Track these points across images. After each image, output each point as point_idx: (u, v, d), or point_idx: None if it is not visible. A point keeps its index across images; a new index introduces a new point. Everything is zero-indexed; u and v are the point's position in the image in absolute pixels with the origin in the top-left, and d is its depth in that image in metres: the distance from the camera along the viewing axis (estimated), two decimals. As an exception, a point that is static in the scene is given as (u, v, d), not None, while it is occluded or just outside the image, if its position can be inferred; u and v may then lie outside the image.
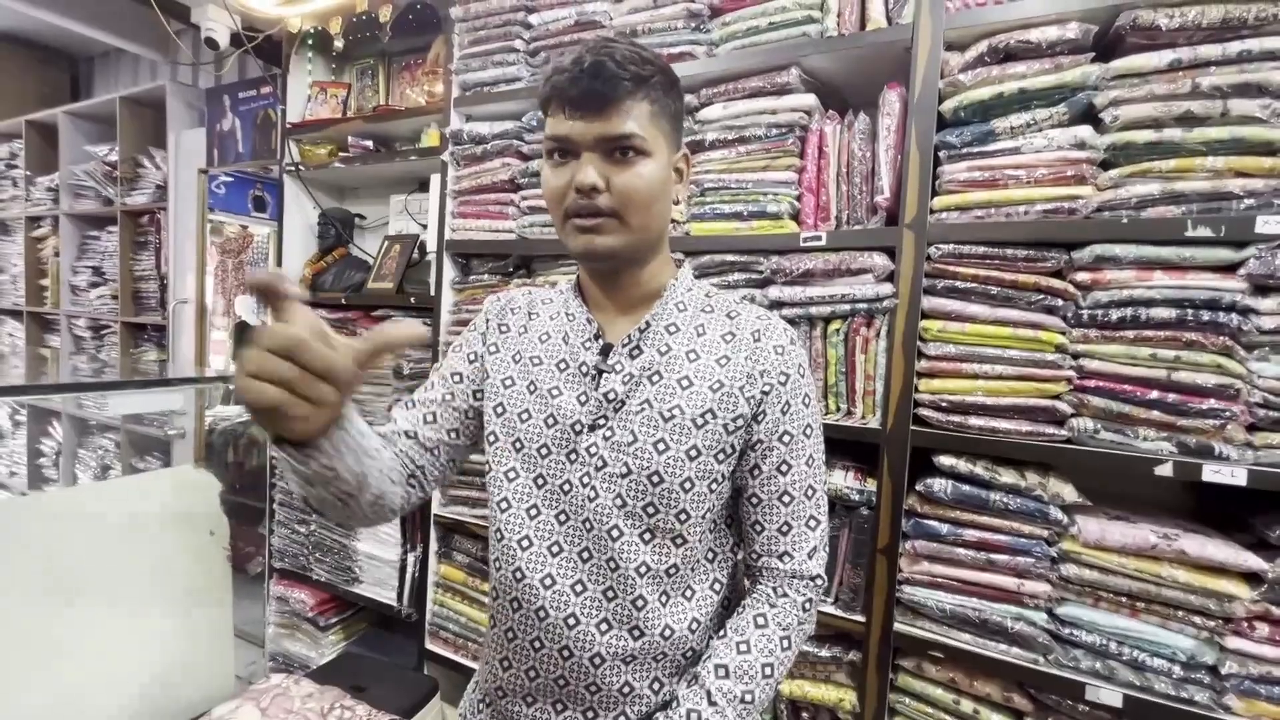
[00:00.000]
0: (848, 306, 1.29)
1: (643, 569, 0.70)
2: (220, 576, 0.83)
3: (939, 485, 1.21)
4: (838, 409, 1.33)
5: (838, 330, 1.31)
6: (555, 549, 0.72)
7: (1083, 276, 1.12)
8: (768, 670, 0.70)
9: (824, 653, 1.33)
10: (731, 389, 0.71)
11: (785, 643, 0.72)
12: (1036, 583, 1.15)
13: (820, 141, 1.34)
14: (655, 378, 0.72)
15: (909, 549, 1.24)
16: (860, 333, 1.29)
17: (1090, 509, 1.16)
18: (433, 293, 1.85)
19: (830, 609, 1.32)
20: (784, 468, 0.74)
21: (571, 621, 0.70)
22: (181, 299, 2.70)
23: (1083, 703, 1.11)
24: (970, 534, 1.19)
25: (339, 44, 2.10)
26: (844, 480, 1.31)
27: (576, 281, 0.81)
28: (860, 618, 1.28)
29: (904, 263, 1.23)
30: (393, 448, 0.76)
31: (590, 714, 0.72)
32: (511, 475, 0.74)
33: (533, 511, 0.73)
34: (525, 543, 0.72)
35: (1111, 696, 1.08)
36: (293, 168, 2.20)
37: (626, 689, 0.71)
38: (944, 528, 1.21)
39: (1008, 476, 1.17)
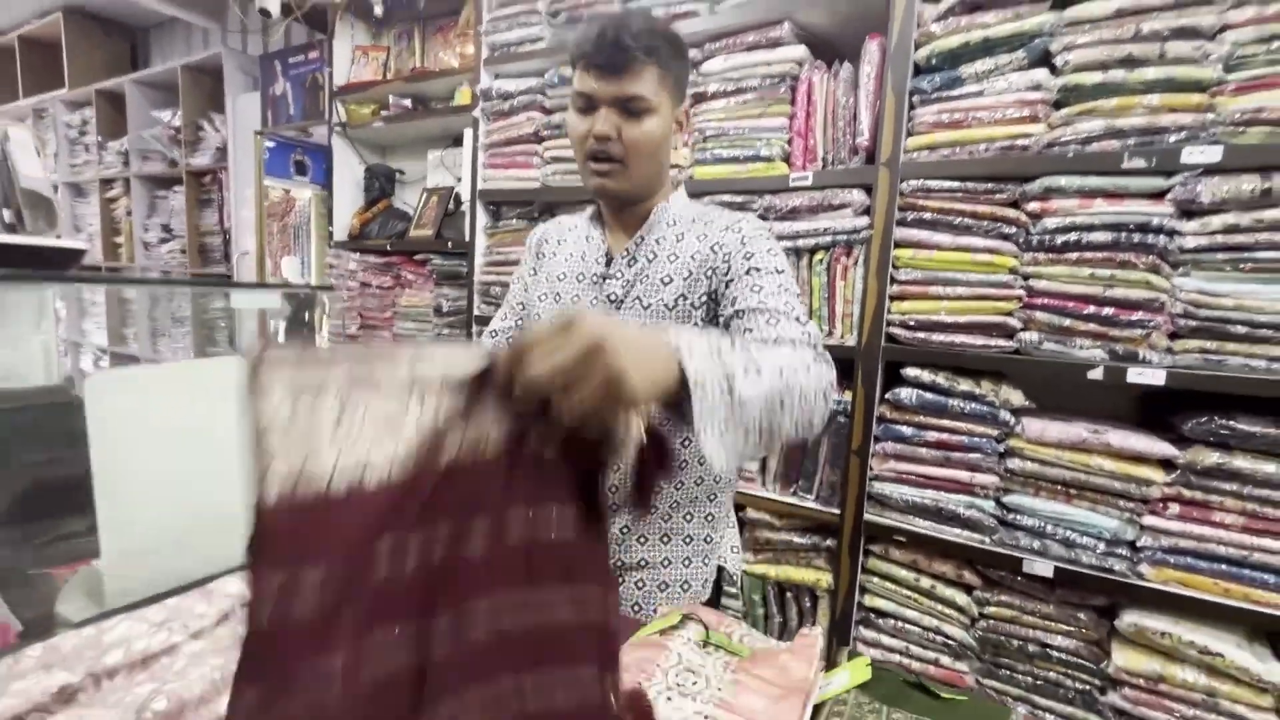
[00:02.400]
0: (829, 238, 1.46)
1: None
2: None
3: (905, 394, 1.39)
4: (820, 329, 1.50)
5: (821, 260, 1.48)
6: None
7: (1033, 206, 1.26)
8: (783, 371, 0.63)
9: (804, 540, 1.54)
10: (698, 273, 0.88)
11: (796, 363, 0.65)
12: (986, 475, 1.33)
13: (809, 90, 1.49)
14: (644, 278, 0.91)
15: (879, 450, 1.43)
16: (840, 261, 1.46)
17: (1034, 411, 1.33)
18: (467, 238, 2.07)
19: (811, 504, 1.53)
20: (756, 287, 0.82)
21: None
22: (243, 251, 2.98)
23: (1021, 575, 1.30)
24: (931, 435, 1.37)
25: (378, 10, 2.29)
26: (824, 392, 1.49)
27: (596, 210, 0.99)
28: (836, 510, 1.48)
29: (879, 198, 1.39)
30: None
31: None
32: None
33: None
34: None
35: (1044, 569, 1.26)
36: (340, 127, 2.42)
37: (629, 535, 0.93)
38: (909, 430, 1.39)
39: (965, 384, 1.34)
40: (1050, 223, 1.25)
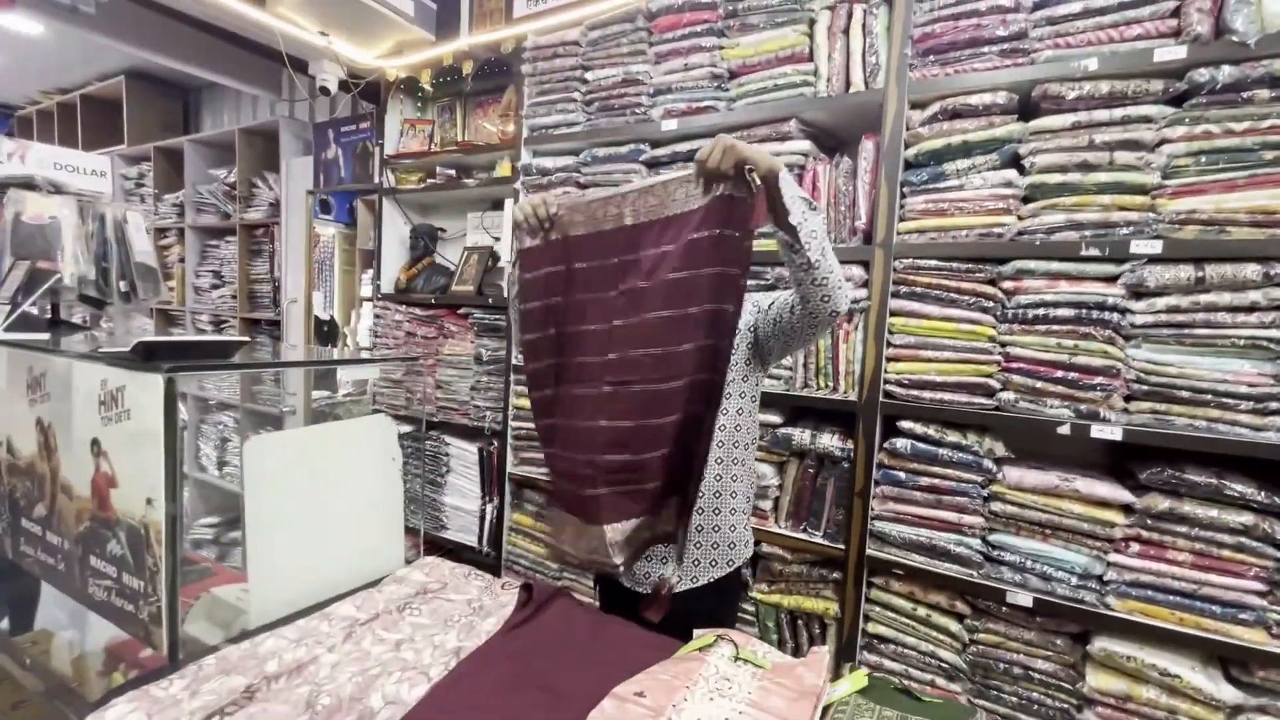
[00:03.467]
0: (833, 306, 1.67)
1: None
2: (397, 488, 1.29)
3: (901, 443, 1.58)
4: (825, 385, 1.71)
5: (826, 325, 1.70)
6: None
7: (1008, 284, 1.47)
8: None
9: (813, 573, 1.72)
10: None
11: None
12: (973, 516, 1.52)
13: (814, 178, 1.72)
14: None
15: (878, 492, 1.63)
16: (843, 327, 1.67)
17: (1014, 460, 1.52)
18: (506, 295, 2.29)
19: (819, 539, 1.71)
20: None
21: None
22: (292, 299, 3.23)
23: (1005, 605, 1.48)
24: (924, 480, 1.57)
25: (428, 88, 2.57)
26: (830, 440, 1.69)
27: None
28: (842, 546, 1.67)
29: (875, 273, 1.61)
30: None
31: None
32: None
33: None
34: None
35: (1025, 599, 1.44)
36: (389, 191, 2.68)
37: None
38: (904, 475, 1.59)
39: (953, 436, 1.54)
40: (1023, 299, 1.46)
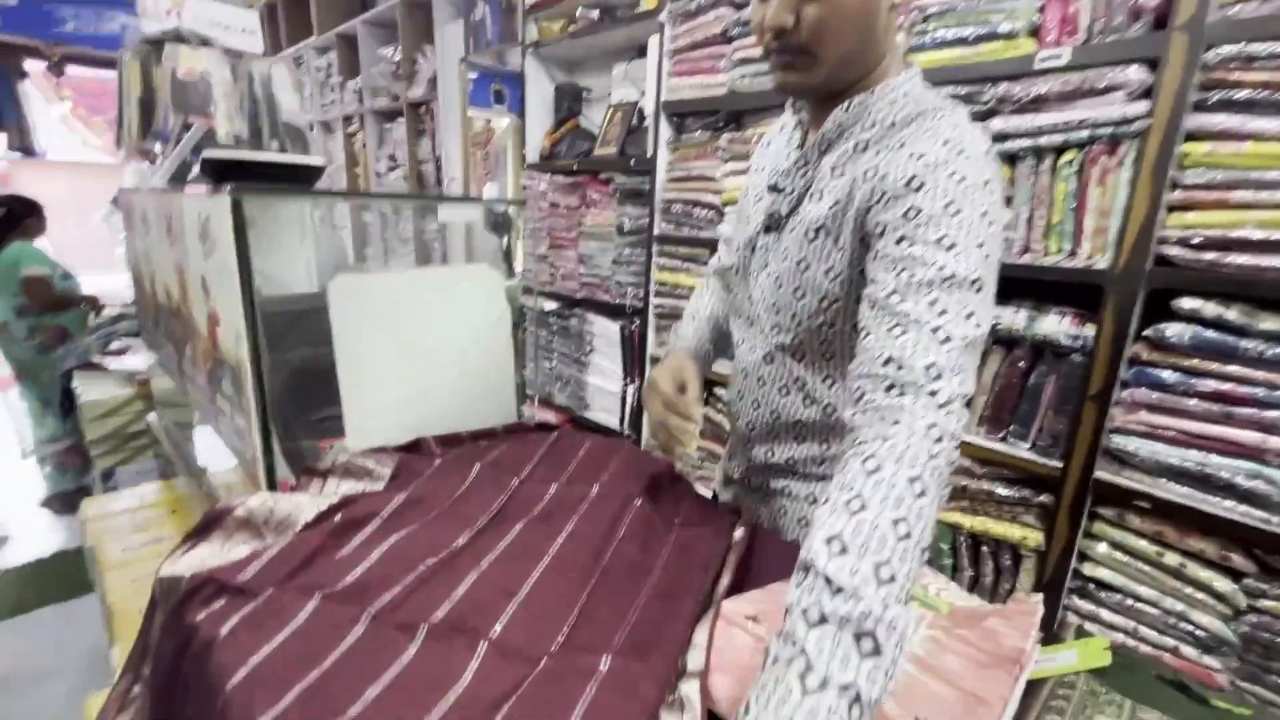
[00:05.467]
0: (1086, 133, 1.17)
1: (783, 351, 0.82)
2: (505, 345, 1.16)
3: (1176, 330, 1.11)
4: (1059, 249, 1.24)
5: (1070, 161, 1.20)
6: (747, 321, 0.89)
7: None
8: (901, 528, 0.48)
9: (1011, 493, 1.35)
10: (849, 205, 0.68)
11: (917, 486, 0.50)
12: (1287, 439, 1.03)
13: (1077, -63, 1.16)
14: (806, 190, 0.76)
15: (1126, 398, 1.18)
16: (1099, 162, 1.17)
17: (1385, 362, 0.98)
18: (649, 154, 2.02)
19: (1025, 453, 1.32)
20: (907, 262, 0.60)
21: (744, 373, 0.89)
22: (451, 178, 3.26)
23: (1324, 568, 1.01)
24: (1207, 384, 1.09)
25: (568, -83, 2.23)
26: (1058, 324, 1.25)
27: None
28: (1058, 464, 1.27)
29: (1167, 75, 1.07)
30: (725, 282, 1.00)
31: (767, 454, 0.90)
32: (733, 264, 0.90)
33: (738, 291, 0.90)
34: (737, 313, 0.91)
35: (1365, 565, 0.97)
36: (532, 46, 2.47)
37: (775, 432, 0.87)
38: (1173, 376, 1.12)
39: (1268, 322, 1.03)
40: None
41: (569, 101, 2.50)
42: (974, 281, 0.58)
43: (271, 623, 0.62)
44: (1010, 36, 1.24)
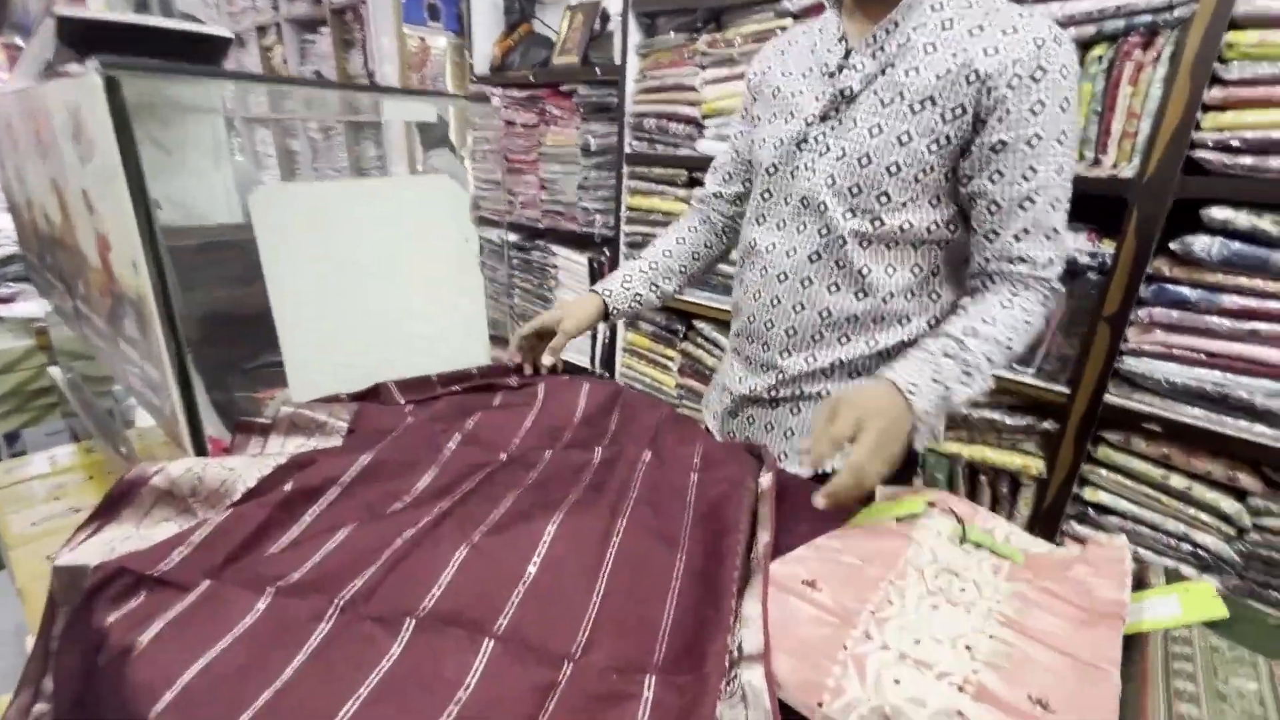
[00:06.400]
0: (1121, 22, 1.05)
1: (854, 237, 0.78)
2: (473, 275, 0.99)
3: (1202, 244, 1.03)
4: (1080, 158, 1.14)
5: (1100, 57, 1.09)
6: (780, 224, 0.83)
7: None
8: (1008, 342, 0.72)
9: (1013, 421, 1.30)
10: (959, 76, 0.69)
11: (1026, 325, 0.73)
12: (1312, 356, 0.99)
13: None
14: (889, 69, 0.74)
15: (1142, 317, 1.12)
16: (1132, 57, 1.06)
17: None
18: (618, 60, 1.81)
19: (1029, 378, 1.26)
20: (1029, 174, 0.70)
21: (781, 277, 0.83)
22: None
23: (1336, 485, 0.99)
24: (1232, 300, 1.03)
25: None
26: (1074, 242, 1.17)
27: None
28: (1065, 389, 1.22)
29: (1221, -50, 0.95)
30: (706, 215, 1.02)
31: (786, 354, 0.86)
32: (757, 170, 0.87)
33: (766, 195, 0.85)
34: (760, 219, 0.87)
35: (1381, 481, 0.95)
36: (475, -64, 2.15)
37: (816, 337, 0.84)
38: (1196, 293, 1.06)
39: (1308, 232, 0.96)
40: None
41: (520, 3, 2.22)
42: (1070, 176, 0.72)
43: (208, 626, 0.48)
44: (1040, -91, 1.09)
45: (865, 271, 0.79)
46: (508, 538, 0.59)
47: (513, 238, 2.34)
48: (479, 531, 0.60)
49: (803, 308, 0.83)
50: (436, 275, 0.97)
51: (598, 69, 1.89)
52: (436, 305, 0.98)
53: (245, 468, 0.66)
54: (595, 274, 2.08)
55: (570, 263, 2.17)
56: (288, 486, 0.63)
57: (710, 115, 1.65)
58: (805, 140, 0.79)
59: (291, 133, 3.80)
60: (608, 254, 2.02)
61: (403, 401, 0.86)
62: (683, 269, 1.02)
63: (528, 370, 0.97)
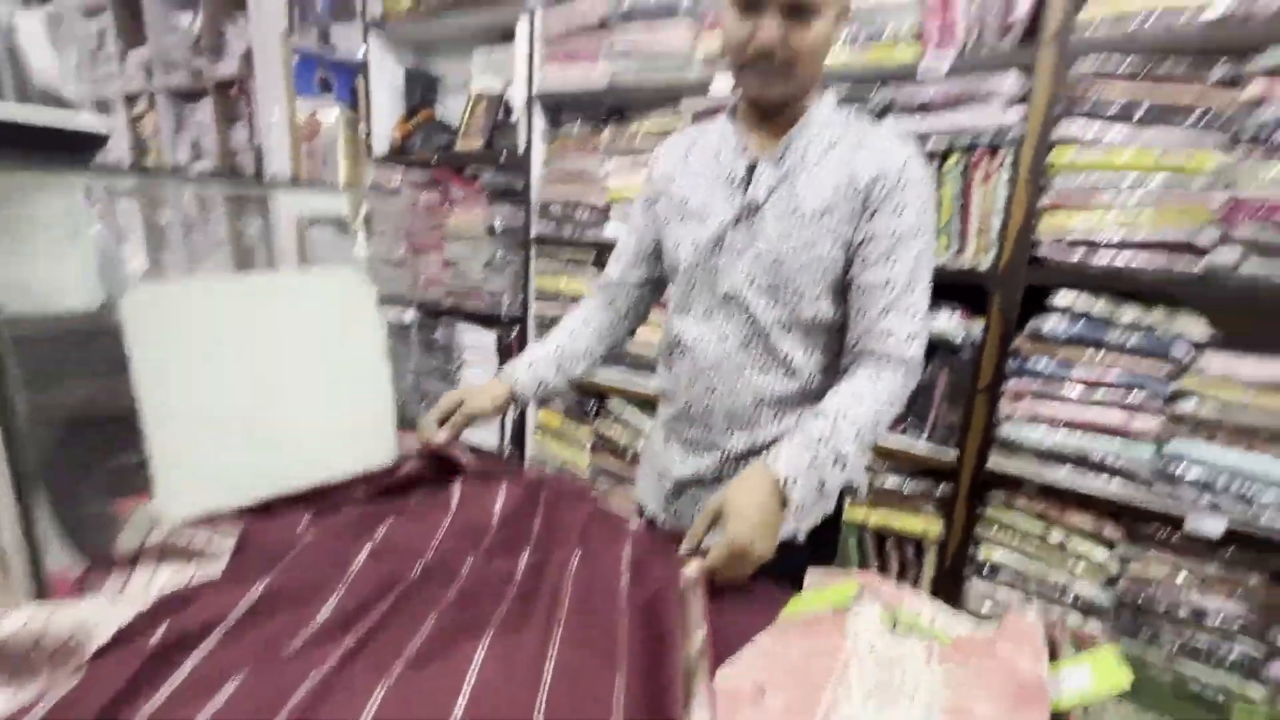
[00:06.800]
0: (968, 139, 1.22)
1: (777, 326, 0.84)
2: (378, 365, 0.94)
3: (1051, 324, 1.19)
4: (947, 248, 1.29)
5: (954, 164, 1.25)
6: (707, 316, 0.88)
7: (1256, 88, 1.00)
8: (875, 419, 0.78)
9: (913, 486, 1.39)
10: (847, 188, 0.80)
11: (890, 405, 0.80)
12: (1147, 419, 1.14)
13: (952, -50, 1.21)
14: (790, 181, 0.82)
15: (1011, 388, 1.25)
16: (980, 167, 1.23)
17: (1220, 345, 1.12)
18: (521, 148, 1.85)
19: (923, 445, 1.36)
20: (891, 260, 0.79)
21: (716, 366, 0.88)
22: (276, 170, 2.80)
23: (1179, 533, 1.13)
24: (1080, 372, 1.18)
25: (414, -120, 1.99)
26: (948, 322, 1.30)
27: (733, 108, 0.89)
28: (954, 454, 1.32)
29: (1039, 85, 1.14)
30: (611, 298, 1.04)
31: (727, 435, 0.90)
32: (675, 268, 0.91)
33: (691, 287, 0.89)
34: (686, 310, 0.91)
35: (1214, 526, 1.09)
36: (376, 23, 2.17)
37: (753, 417, 0.88)
38: (1052, 366, 1.20)
39: (1130, 314, 1.13)
40: (1274, 111, 0.99)
41: (422, 89, 2.24)
42: (931, 265, 0.82)
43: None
44: (894, 41, 1.27)
45: (789, 356, 0.85)
46: (433, 669, 0.53)
47: (410, 317, 2.26)
48: (399, 663, 0.54)
49: (738, 391, 0.87)
50: (339, 372, 0.90)
51: (503, 155, 1.93)
52: (339, 403, 0.91)
53: (102, 614, 0.56)
54: (504, 353, 2.04)
55: (479, 340, 2.12)
56: (159, 633, 0.54)
57: (616, 201, 1.72)
58: (721, 242, 0.85)
59: (160, 203, 3.53)
60: (516, 331, 2.00)
61: (300, 518, 0.77)
62: (589, 352, 1.03)
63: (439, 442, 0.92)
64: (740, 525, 0.69)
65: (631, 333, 1.10)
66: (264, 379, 0.82)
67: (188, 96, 3.28)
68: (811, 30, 0.75)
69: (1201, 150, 1.05)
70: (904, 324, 0.79)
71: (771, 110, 0.84)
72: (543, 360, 1.00)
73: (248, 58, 2.81)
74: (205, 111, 3.11)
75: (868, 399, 0.78)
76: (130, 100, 3.56)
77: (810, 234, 0.81)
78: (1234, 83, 1.03)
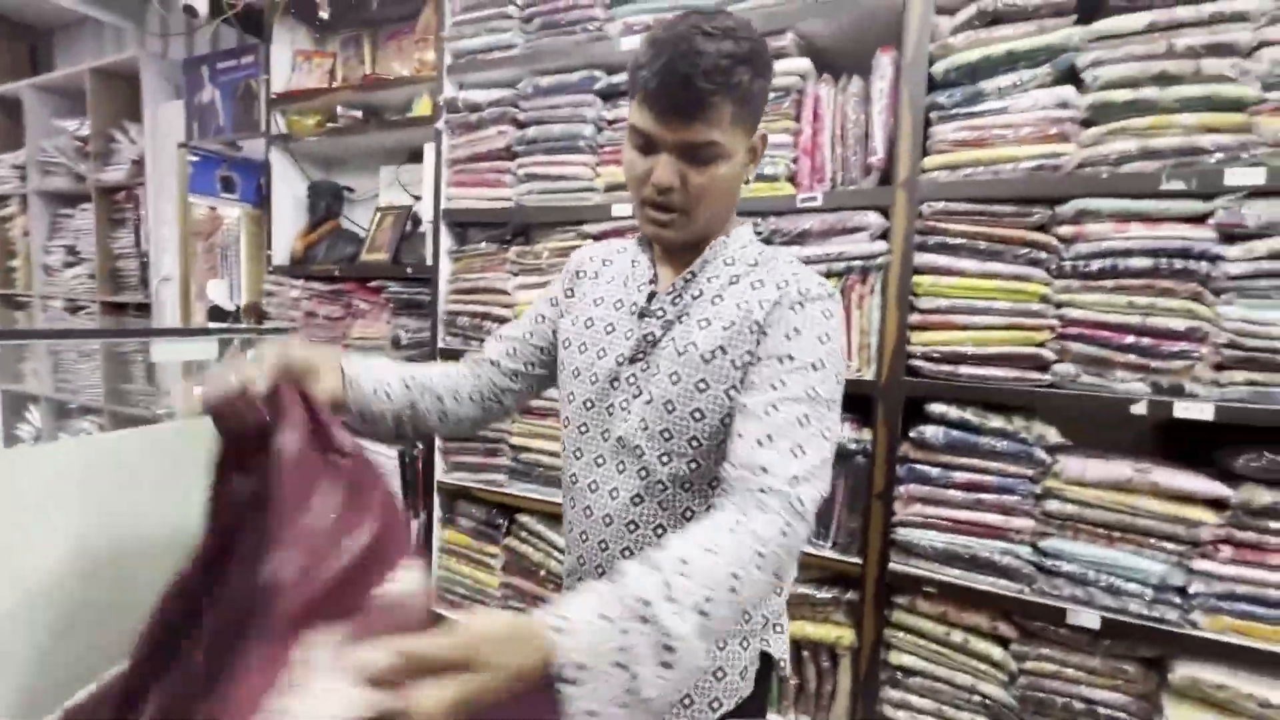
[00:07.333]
0: (843, 265, 1.34)
1: (674, 482, 0.78)
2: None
3: (931, 432, 1.28)
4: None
5: (835, 286, 1.36)
6: (600, 461, 0.82)
7: (1065, 230, 1.18)
8: (734, 583, 0.56)
9: (823, 594, 1.40)
10: (742, 327, 0.74)
11: (759, 559, 0.59)
12: (1022, 519, 1.23)
13: (815, 105, 1.38)
14: (684, 319, 0.79)
15: (903, 493, 1.32)
16: (855, 289, 1.35)
17: (1071, 449, 1.24)
18: (429, 261, 1.86)
19: (829, 553, 1.39)
20: (777, 384, 0.70)
21: (607, 520, 0.80)
22: (164, 276, 2.65)
23: (1064, 626, 1.20)
24: (960, 476, 1.27)
25: (324, 13, 2.07)
26: (841, 431, 1.37)
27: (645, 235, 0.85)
28: (857, 560, 1.36)
29: (897, 220, 1.29)
30: (478, 373, 0.92)
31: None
32: (570, 398, 0.85)
33: (583, 429, 0.83)
34: (578, 454, 0.84)
35: (1090, 619, 1.17)
36: (280, 140, 2.18)
37: None
38: (935, 471, 1.28)
39: (995, 421, 1.24)
40: (1084, 247, 1.17)
41: (328, 200, 2.24)
42: (828, 399, 0.71)
43: None
44: (773, 179, 1.41)
45: (689, 513, 0.78)
46: None
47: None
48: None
49: (631, 553, 0.80)
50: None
51: (409, 268, 1.93)
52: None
53: None
54: (407, 469, 1.94)
55: (379, 456, 2.02)
56: None
57: (523, 314, 1.73)
58: (617, 379, 0.80)
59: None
60: (420, 448, 1.92)
61: None
62: (439, 398, 0.87)
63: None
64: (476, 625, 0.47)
65: (483, 421, 0.93)
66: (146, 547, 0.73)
67: (67, 200, 3.10)
68: (712, 172, 0.71)
69: (1032, 281, 1.21)
70: (786, 462, 0.65)
71: (677, 247, 0.80)
72: (380, 367, 0.84)
73: (139, 163, 2.71)
74: (83, 217, 2.94)
75: (726, 550, 0.57)
76: (-1, 201, 3.33)
77: (702, 375, 0.75)
78: (1043, 228, 1.21)
